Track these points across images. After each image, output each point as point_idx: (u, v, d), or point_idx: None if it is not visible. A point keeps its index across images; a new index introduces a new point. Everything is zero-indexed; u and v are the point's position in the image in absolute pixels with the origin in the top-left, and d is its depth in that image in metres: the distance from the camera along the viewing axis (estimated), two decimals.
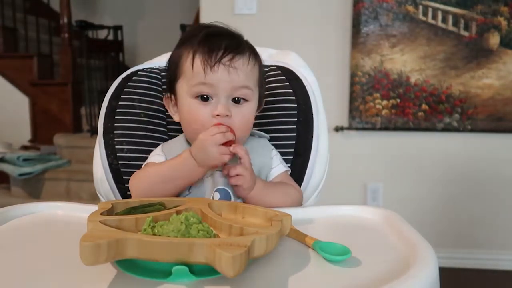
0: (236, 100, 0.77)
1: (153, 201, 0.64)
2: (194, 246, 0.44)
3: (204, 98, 0.76)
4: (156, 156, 0.82)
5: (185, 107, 0.78)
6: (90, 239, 0.44)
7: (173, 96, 0.82)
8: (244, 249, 0.43)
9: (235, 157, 0.74)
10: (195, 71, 0.75)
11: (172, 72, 0.81)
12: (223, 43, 0.75)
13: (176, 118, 0.83)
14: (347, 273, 0.50)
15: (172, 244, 0.45)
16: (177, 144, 0.83)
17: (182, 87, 0.78)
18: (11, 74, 3.42)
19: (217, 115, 0.74)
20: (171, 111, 0.84)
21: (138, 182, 0.78)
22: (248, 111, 0.78)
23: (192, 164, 0.73)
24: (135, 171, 0.84)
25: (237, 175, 0.73)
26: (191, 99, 0.77)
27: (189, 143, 0.82)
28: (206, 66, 0.74)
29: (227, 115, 0.75)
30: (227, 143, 0.72)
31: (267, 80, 0.97)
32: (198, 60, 0.75)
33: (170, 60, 0.84)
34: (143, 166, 0.82)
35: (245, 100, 0.78)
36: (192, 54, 0.76)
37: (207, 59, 0.74)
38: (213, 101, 0.76)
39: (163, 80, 0.98)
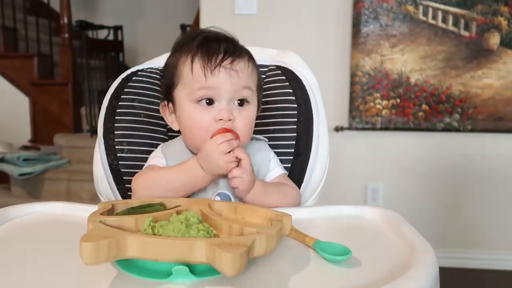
0: (240, 103, 0.76)
1: (153, 201, 0.64)
2: (194, 246, 0.44)
3: (207, 102, 0.75)
4: (158, 158, 0.81)
5: (185, 113, 0.77)
6: (90, 239, 0.44)
7: (170, 104, 0.80)
8: (244, 248, 0.43)
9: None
10: (195, 76, 0.74)
11: (169, 79, 0.79)
12: (221, 46, 0.75)
13: (175, 127, 0.82)
14: (347, 273, 0.50)
15: (172, 244, 0.45)
16: (178, 146, 0.82)
17: (181, 93, 0.77)
18: (11, 74, 3.42)
19: (220, 119, 0.74)
20: (169, 119, 0.82)
21: (141, 186, 0.76)
22: (250, 114, 0.78)
23: (199, 172, 0.72)
24: (135, 171, 0.83)
25: (235, 177, 0.73)
26: (191, 104, 0.75)
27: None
28: (206, 70, 0.73)
29: (230, 120, 0.74)
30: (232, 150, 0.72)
31: (267, 80, 0.97)
32: (197, 65, 0.74)
33: (165, 67, 0.82)
34: (144, 167, 0.81)
35: (247, 101, 0.77)
36: (191, 59, 0.75)
37: (207, 62, 0.73)
38: (215, 105, 0.75)
39: (163, 80, 0.98)
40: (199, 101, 0.75)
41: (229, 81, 0.74)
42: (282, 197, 0.79)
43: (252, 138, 0.85)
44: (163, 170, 0.77)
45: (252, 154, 0.79)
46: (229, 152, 0.71)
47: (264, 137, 0.89)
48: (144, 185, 0.75)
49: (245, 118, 0.76)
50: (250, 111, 0.78)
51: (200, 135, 0.75)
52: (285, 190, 0.81)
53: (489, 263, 2.16)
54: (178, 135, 0.87)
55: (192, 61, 0.75)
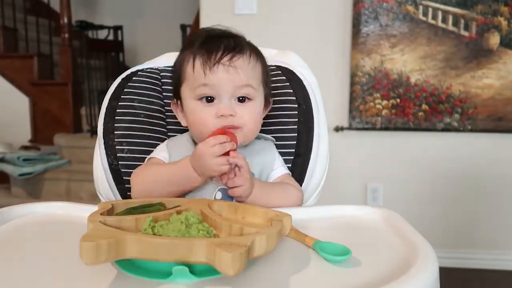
0: (241, 100, 0.77)
1: (153, 201, 0.64)
2: (194, 246, 0.44)
3: (208, 99, 0.76)
4: (160, 151, 0.83)
5: (189, 110, 0.79)
6: (90, 239, 0.44)
7: (179, 102, 0.83)
8: (244, 248, 0.43)
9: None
10: (195, 73, 0.76)
11: (176, 78, 0.82)
12: (222, 43, 0.76)
13: (183, 123, 0.84)
14: (347, 273, 0.50)
15: (172, 244, 0.45)
16: (182, 142, 0.84)
17: (186, 91, 0.79)
18: (11, 74, 3.42)
19: (221, 115, 0.74)
20: (179, 116, 0.84)
21: (138, 179, 0.78)
22: (253, 109, 0.78)
23: (191, 172, 0.73)
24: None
25: (236, 186, 0.72)
26: (194, 101, 0.77)
27: (195, 142, 0.82)
28: (205, 67, 0.75)
29: (231, 115, 0.75)
30: (227, 152, 0.71)
31: None
32: (198, 62, 0.76)
33: (174, 67, 0.85)
34: (146, 159, 0.83)
35: (249, 99, 0.78)
36: (192, 57, 0.77)
37: (206, 60, 0.75)
38: (216, 102, 0.76)
39: (162, 80, 0.98)
40: (201, 98, 0.76)
41: (228, 78, 0.75)
42: (283, 196, 0.79)
43: (260, 138, 0.85)
44: (160, 167, 0.78)
45: (256, 153, 0.79)
46: (223, 154, 0.71)
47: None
48: (141, 179, 0.77)
49: (248, 113, 0.77)
50: (253, 107, 0.78)
51: (202, 131, 0.76)
52: (285, 188, 0.81)
53: (489, 263, 2.16)
54: (175, 135, 0.87)
55: (193, 59, 0.76)
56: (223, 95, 0.75)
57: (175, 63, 0.84)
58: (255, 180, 0.75)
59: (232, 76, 0.75)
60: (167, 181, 0.75)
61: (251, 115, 0.77)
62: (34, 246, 0.60)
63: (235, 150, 0.72)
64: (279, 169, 0.84)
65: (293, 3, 2.10)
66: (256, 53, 0.80)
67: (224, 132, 0.73)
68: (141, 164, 0.84)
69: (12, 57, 3.46)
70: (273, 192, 0.78)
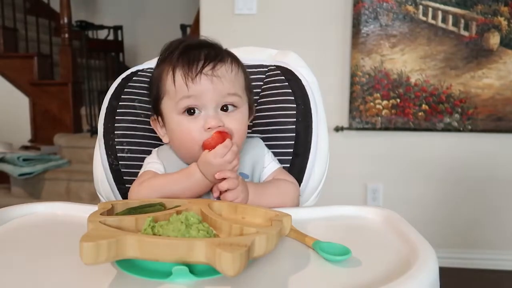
0: (225, 109, 0.75)
1: (153, 201, 0.64)
2: (194, 246, 0.44)
3: (191, 112, 0.74)
4: (155, 164, 0.80)
5: (173, 125, 0.76)
6: (90, 239, 0.44)
7: (159, 118, 0.80)
8: (244, 248, 0.43)
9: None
10: (177, 86, 0.73)
11: (155, 93, 0.78)
12: (202, 53, 0.73)
13: (165, 140, 0.81)
14: (347, 273, 0.50)
15: (172, 244, 0.45)
16: (172, 154, 0.81)
17: (167, 105, 0.76)
18: (11, 74, 3.42)
19: (209, 128, 0.72)
20: (160, 133, 0.82)
21: (144, 192, 0.73)
22: (240, 118, 0.76)
23: (202, 179, 0.72)
24: (135, 171, 0.83)
25: (226, 190, 0.70)
26: (178, 116, 0.75)
27: None
28: (187, 78, 0.72)
29: (219, 126, 0.73)
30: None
31: (266, 80, 0.97)
32: (178, 74, 0.73)
33: (151, 81, 0.81)
34: (140, 173, 0.80)
35: (235, 107, 0.76)
36: (172, 70, 0.74)
37: (188, 71, 0.72)
38: (201, 114, 0.74)
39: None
40: (185, 111, 0.74)
41: (212, 87, 0.73)
42: (278, 195, 0.78)
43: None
44: (163, 178, 0.75)
45: (246, 151, 0.79)
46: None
47: (263, 137, 0.89)
48: (145, 194, 0.73)
49: (236, 122, 0.75)
50: (240, 115, 0.76)
51: (190, 146, 0.74)
52: (281, 186, 0.81)
53: (489, 263, 2.16)
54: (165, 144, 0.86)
55: (173, 72, 0.74)
56: (208, 106, 0.73)
57: (151, 78, 0.81)
58: (248, 185, 0.74)
59: (216, 86, 0.73)
60: (174, 190, 0.72)
61: (238, 124, 0.75)
62: (34, 246, 0.60)
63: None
64: (270, 165, 0.83)
65: (293, 3, 2.10)
66: (236, 61, 0.78)
67: (222, 135, 0.72)
68: (141, 165, 0.83)
69: (12, 57, 3.46)
70: (268, 194, 0.77)
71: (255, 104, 0.93)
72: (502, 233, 2.17)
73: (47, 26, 3.67)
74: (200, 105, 0.73)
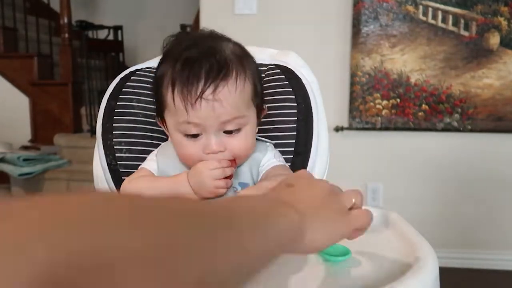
0: (229, 132, 0.72)
1: None
2: None
3: (194, 135, 0.71)
4: (150, 162, 0.79)
5: (174, 140, 0.75)
6: None
7: (163, 122, 0.78)
8: None
9: (231, 188, 0.73)
10: (177, 108, 0.70)
11: (158, 97, 0.75)
12: (202, 69, 0.68)
13: (171, 139, 0.80)
14: (347, 273, 0.49)
15: None
16: (171, 153, 0.79)
17: (168, 119, 0.74)
18: (11, 74, 3.42)
19: (209, 152, 0.70)
20: (167, 131, 0.80)
21: (128, 191, 0.74)
22: (245, 138, 0.73)
23: (188, 189, 0.71)
24: (133, 172, 0.83)
25: None
26: (179, 134, 0.73)
27: None
28: (187, 103, 0.68)
29: (220, 151, 0.71)
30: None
31: (266, 79, 0.97)
32: (178, 97, 0.69)
33: (154, 81, 0.78)
34: (138, 170, 0.80)
35: (238, 129, 0.72)
36: (171, 84, 0.70)
37: (187, 95, 0.68)
38: (203, 137, 0.71)
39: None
40: (186, 134, 0.72)
41: (213, 114, 0.68)
42: None
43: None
44: (153, 181, 0.75)
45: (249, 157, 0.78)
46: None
47: (264, 136, 0.89)
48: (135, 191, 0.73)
49: (239, 143, 0.72)
50: (244, 135, 0.73)
51: (191, 164, 0.73)
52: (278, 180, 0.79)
53: (489, 263, 2.16)
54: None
55: (172, 88, 0.69)
56: (209, 131, 0.70)
57: (155, 77, 0.77)
58: (246, 190, 0.74)
59: (217, 112, 0.68)
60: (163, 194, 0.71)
61: (243, 143, 0.73)
62: None
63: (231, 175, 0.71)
64: (270, 161, 0.80)
65: (293, 3, 2.10)
66: (243, 70, 0.72)
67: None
68: (140, 164, 0.83)
69: (12, 57, 3.46)
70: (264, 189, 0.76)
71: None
72: (502, 233, 2.17)
73: (47, 26, 3.67)
74: (201, 129, 0.71)
